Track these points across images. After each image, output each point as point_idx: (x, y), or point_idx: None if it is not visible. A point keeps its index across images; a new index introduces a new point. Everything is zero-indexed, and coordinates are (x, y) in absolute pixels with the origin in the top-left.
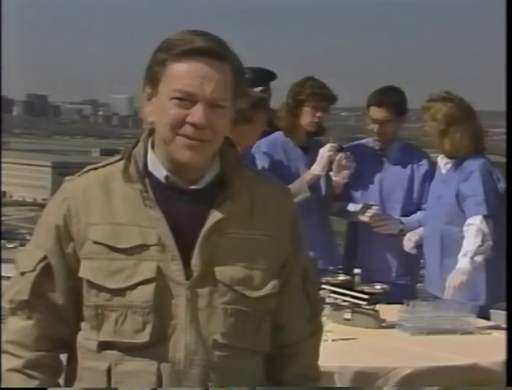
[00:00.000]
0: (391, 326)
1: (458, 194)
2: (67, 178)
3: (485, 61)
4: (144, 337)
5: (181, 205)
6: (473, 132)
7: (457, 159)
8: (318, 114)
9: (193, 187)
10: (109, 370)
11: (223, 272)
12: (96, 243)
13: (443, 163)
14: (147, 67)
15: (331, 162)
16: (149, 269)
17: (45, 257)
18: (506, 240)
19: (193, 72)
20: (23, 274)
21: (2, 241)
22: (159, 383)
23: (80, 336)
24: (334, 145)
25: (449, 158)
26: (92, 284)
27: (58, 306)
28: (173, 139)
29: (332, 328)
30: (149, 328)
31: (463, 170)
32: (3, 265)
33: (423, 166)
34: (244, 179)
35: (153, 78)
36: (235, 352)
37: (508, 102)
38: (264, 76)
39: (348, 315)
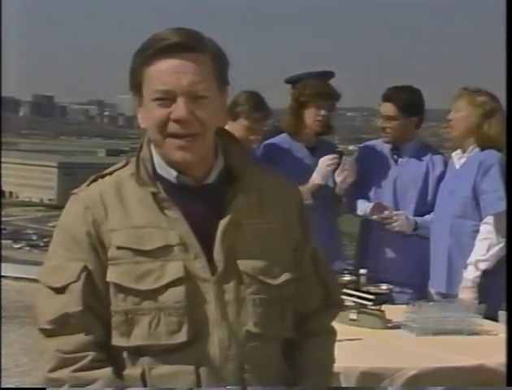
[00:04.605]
0: (397, 326)
1: (475, 187)
2: (74, 190)
3: (485, 61)
4: (181, 337)
5: (195, 202)
6: (505, 124)
7: (473, 153)
8: (322, 113)
9: (203, 183)
10: (143, 375)
11: (245, 263)
12: (119, 248)
13: (457, 158)
14: (129, 75)
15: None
16: (176, 269)
17: (85, 267)
18: (506, 241)
19: (168, 69)
20: (62, 288)
21: (9, 241)
22: (198, 381)
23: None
24: (334, 155)
25: (482, 148)
26: (120, 288)
27: (103, 312)
28: (163, 141)
29: (338, 329)
30: (185, 328)
31: (482, 163)
32: (10, 264)
33: (439, 166)
34: (251, 172)
35: (135, 84)
36: (265, 341)
37: (508, 102)
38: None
39: (353, 316)
